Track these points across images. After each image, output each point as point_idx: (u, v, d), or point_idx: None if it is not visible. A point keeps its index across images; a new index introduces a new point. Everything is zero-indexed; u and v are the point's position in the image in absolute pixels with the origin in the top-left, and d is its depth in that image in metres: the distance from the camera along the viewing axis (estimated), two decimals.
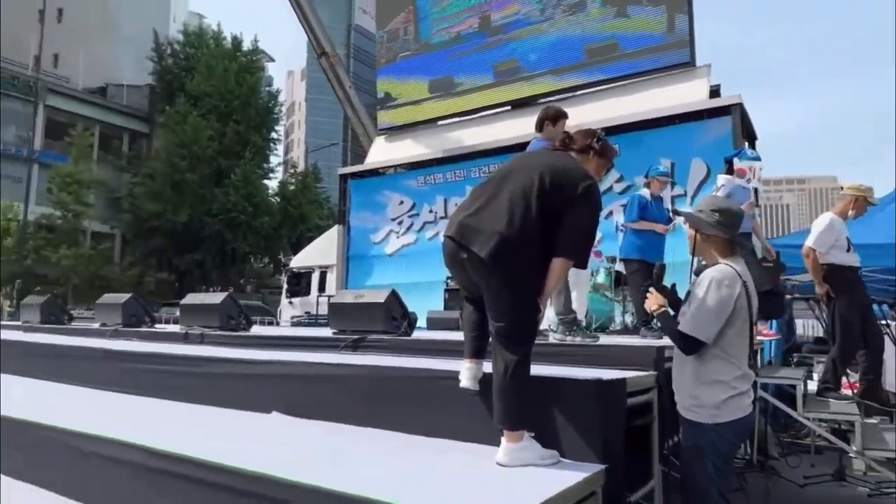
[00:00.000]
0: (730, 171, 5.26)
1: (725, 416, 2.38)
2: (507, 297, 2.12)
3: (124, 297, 6.38)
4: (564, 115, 4.00)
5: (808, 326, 9.76)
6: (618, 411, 2.28)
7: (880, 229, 6.09)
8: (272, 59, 38.59)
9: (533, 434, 2.15)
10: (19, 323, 7.50)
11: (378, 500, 1.66)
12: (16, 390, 3.93)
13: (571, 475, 1.97)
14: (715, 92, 9.60)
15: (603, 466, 2.08)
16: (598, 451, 2.14)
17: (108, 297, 6.73)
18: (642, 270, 4.82)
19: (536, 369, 2.34)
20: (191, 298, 5.78)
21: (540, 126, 3.98)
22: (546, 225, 2.15)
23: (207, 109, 26.97)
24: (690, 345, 2.42)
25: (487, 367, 2.32)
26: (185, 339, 5.17)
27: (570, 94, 10.82)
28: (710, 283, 2.42)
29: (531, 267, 2.14)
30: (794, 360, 7.40)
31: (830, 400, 4.69)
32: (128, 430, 2.58)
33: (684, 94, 9.41)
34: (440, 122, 13.10)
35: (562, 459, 2.15)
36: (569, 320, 3.77)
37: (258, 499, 1.93)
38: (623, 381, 2.35)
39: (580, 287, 5.23)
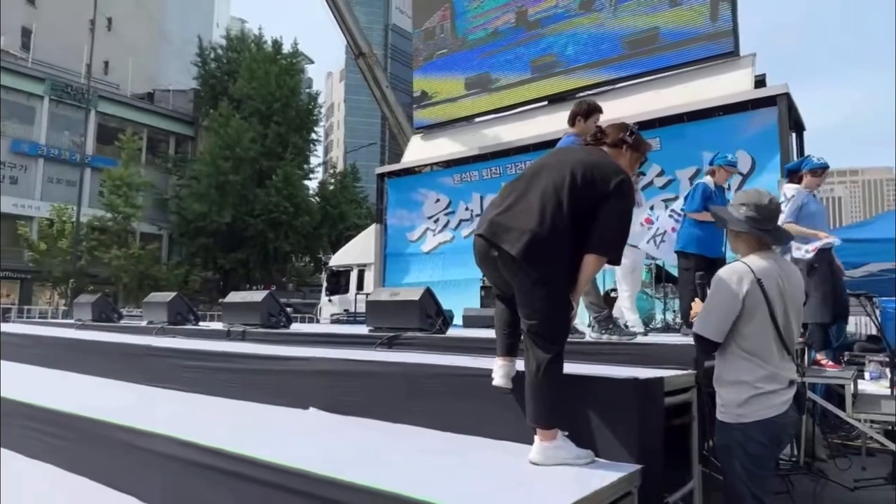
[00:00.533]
0: (793, 180, 4.91)
1: (750, 416, 2.32)
2: (539, 294, 2.10)
3: (170, 295, 6.59)
4: (598, 110, 3.94)
5: (860, 324, 9.36)
6: (655, 411, 2.23)
7: None
8: (311, 61, 39.25)
9: (567, 433, 2.13)
10: (73, 321, 7.83)
11: (424, 500, 1.66)
12: (70, 385, 4.12)
13: (607, 474, 1.94)
14: (760, 82, 9.30)
15: (639, 466, 2.05)
16: (635, 450, 2.10)
17: (154, 296, 6.97)
18: (698, 266, 4.63)
19: (571, 367, 2.31)
20: (233, 297, 5.94)
21: (572, 121, 3.93)
22: (578, 221, 2.12)
23: (249, 112, 27.61)
24: (703, 345, 2.40)
25: (520, 365, 2.31)
26: (227, 336, 5.32)
27: (609, 88, 10.64)
28: (717, 282, 2.39)
29: (563, 264, 2.11)
30: (845, 358, 7.12)
31: (882, 400, 4.50)
32: (174, 424, 2.67)
33: (728, 85, 9.14)
34: (476, 120, 13.08)
35: (597, 459, 2.12)
36: (603, 317, 3.71)
37: (304, 496, 1.96)
38: (661, 380, 2.30)
39: (633, 285, 5.10)
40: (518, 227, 2.12)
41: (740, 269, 2.38)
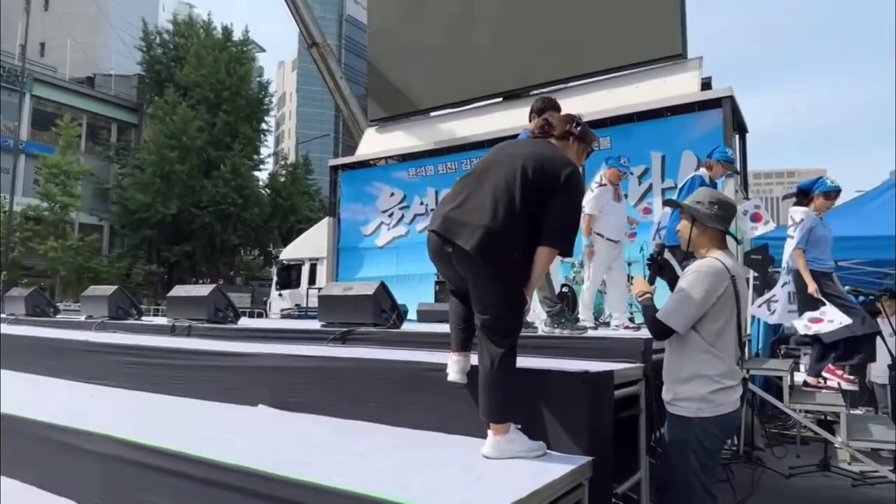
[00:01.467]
0: (801, 202, 4.82)
1: (710, 411, 2.38)
2: (493, 289, 2.11)
3: (111, 288, 6.32)
4: (556, 107, 3.99)
5: None
6: (605, 403, 2.28)
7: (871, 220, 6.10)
8: (263, 50, 38.25)
9: (520, 426, 2.15)
10: (4, 315, 7.41)
11: (375, 496, 1.64)
12: (1, 384, 3.89)
13: (558, 467, 1.97)
14: (706, 84, 9.62)
15: (590, 458, 2.08)
16: (585, 443, 2.14)
17: (94, 290, 6.66)
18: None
19: (524, 361, 2.33)
20: (178, 290, 5.73)
21: (531, 117, 3.96)
22: (530, 215, 2.13)
23: (197, 100, 26.68)
24: (660, 330, 2.45)
25: (475, 359, 2.31)
26: (172, 331, 5.13)
27: (562, 86, 10.79)
28: (694, 276, 2.43)
29: (517, 259, 2.12)
30: (782, 351, 7.46)
31: (816, 391, 4.73)
32: (114, 423, 2.56)
33: (676, 87, 9.42)
34: (432, 114, 13.05)
35: (549, 451, 2.15)
36: (555, 311, 3.75)
37: (250, 495, 1.91)
38: (610, 373, 2.35)
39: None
40: (471, 223, 2.12)
41: (717, 266, 2.42)
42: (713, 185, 4.85)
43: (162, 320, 5.87)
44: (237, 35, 29.67)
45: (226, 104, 27.17)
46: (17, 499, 2.42)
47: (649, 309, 2.55)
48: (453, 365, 2.35)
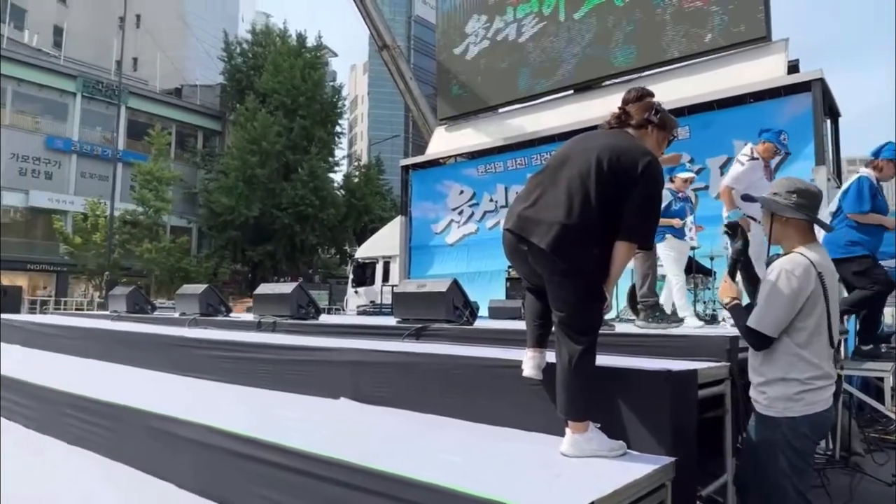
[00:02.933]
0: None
1: (799, 411, 2.25)
2: (570, 286, 2.08)
3: (201, 287, 6.71)
4: (649, 94, 3.83)
5: None
6: (688, 403, 2.21)
7: None
8: (335, 54, 39.42)
9: (599, 425, 2.12)
10: (109, 312, 8.03)
11: (456, 489, 1.67)
12: (107, 375, 4.23)
13: (639, 467, 1.93)
14: (793, 67, 9.06)
15: (673, 459, 2.03)
16: (668, 443, 2.08)
17: (186, 288, 7.10)
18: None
19: (603, 359, 2.29)
20: (263, 288, 6.02)
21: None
22: (607, 209, 2.08)
23: (275, 106, 27.84)
24: (757, 340, 2.30)
25: (551, 356, 2.30)
26: (258, 327, 5.40)
27: (637, 76, 10.47)
28: (779, 275, 2.28)
29: (594, 254, 2.08)
30: (883, 350, 6.91)
31: None
32: (207, 413, 2.72)
33: (760, 71, 8.92)
34: (501, 110, 13.01)
35: (629, 451, 2.11)
36: (650, 304, 3.61)
37: (334, 484, 1.98)
38: (694, 372, 2.28)
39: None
40: (546, 221, 2.10)
41: (803, 262, 2.28)
42: (879, 187, 4.47)
43: (248, 316, 6.18)
44: (311, 41, 30.72)
45: (302, 109, 28.20)
46: (122, 481, 2.62)
47: (741, 316, 2.41)
48: (529, 361, 2.34)
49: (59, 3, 38.27)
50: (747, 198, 2.81)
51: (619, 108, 2.41)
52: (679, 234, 5.08)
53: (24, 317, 8.44)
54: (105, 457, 2.90)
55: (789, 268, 2.28)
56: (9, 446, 3.13)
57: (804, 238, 2.38)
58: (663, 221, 4.74)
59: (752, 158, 4.56)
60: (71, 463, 2.84)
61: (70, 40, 33.22)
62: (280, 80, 27.93)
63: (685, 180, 5.51)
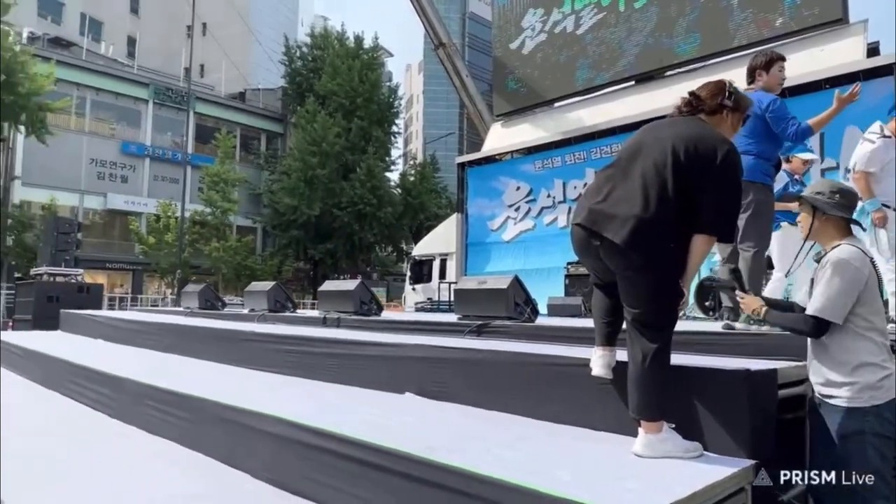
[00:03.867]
0: None
1: (883, 397, 2.19)
2: (646, 282, 2.02)
3: (269, 284, 6.94)
4: (779, 58, 3.65)
5: None
6: (768, 404, 2.11)
7: None
8: (391, 55, 39.93)
9: (673, 425, 2.05)
10: (182, 308, 8.42)
11: (526, 486, 1.65)
12: (183, 368, 4.43)
13: (717, 469, 1.85)
14: (873, 50, 8.51)
15: (753, 462, 1.94)
16: (747, 445, 1.99)
17: (255, 285, 7.36)
18: None
19: (678, 358, 2.22)
20: (327, 285, 6.17)
21: (752, 77, 3.63)
22: (684, 201, 2.01)
23: (334, 108, 28.48)
24: (819, 327, 2.27)
25: (621, 354, 2.24)
26: (323, 322, 5.54)
27: (702, 64, 10.10)
28: (837, 264, 2.26)
29: (671, 249, 2.01)
30: None
31: None
32: (278, 405, 2.81)
33: (836, 56, 8.42)
34: (557, 104, 12.83)
35: (706, 453, 2.03)
36: None
37: (400, 476, 2.01)
38: (774, 371, 2.18)
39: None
40: (620, 215, 2.03)
41: (856, 251, 2.30)
42: None
43: (313, 313, 6.34)
44: (367, 42, 31.22)
45: (360, 110, 28.74)
46: (198, 470, 2.73)
47: (781, 315, 2.40)
48: (598, 359, 2.29)
49: (132, 15, 40.47)
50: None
51: (690, 94, 2.31)
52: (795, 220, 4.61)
53: (104, 313, 8.97)
54: (183, 446, 3.04)
55: (846, 256, 2.27)
56: (93, 434, 3.33)
57: (843, 235, 2.39)
58: (779, 206, 4.45)
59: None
60: (151, 451, 2.99)
61: (142, 50, 35.05)
62: (338, 82, 28.55)
63: (805, 161, 5.02)
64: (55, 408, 4.05)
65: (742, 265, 3.38)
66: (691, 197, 2.01)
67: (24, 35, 24.95)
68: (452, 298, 7.27)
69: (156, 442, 3.14)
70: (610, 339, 2.31)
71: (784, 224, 4.62)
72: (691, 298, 3.58)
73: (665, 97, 9.95)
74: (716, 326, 3.66)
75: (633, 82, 11.28)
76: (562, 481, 1.70)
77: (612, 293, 2.22)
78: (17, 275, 19.97)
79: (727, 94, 2.25)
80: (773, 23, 9.26)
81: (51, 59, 21.65)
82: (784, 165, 4.74)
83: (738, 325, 3.40)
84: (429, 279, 16.38)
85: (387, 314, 6.22)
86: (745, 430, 2.01)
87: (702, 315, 6.59)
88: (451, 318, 4.96)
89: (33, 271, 11.35)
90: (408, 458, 2.01)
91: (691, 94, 2.30)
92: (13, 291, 11.76)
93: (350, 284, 5.75)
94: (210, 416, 2.98)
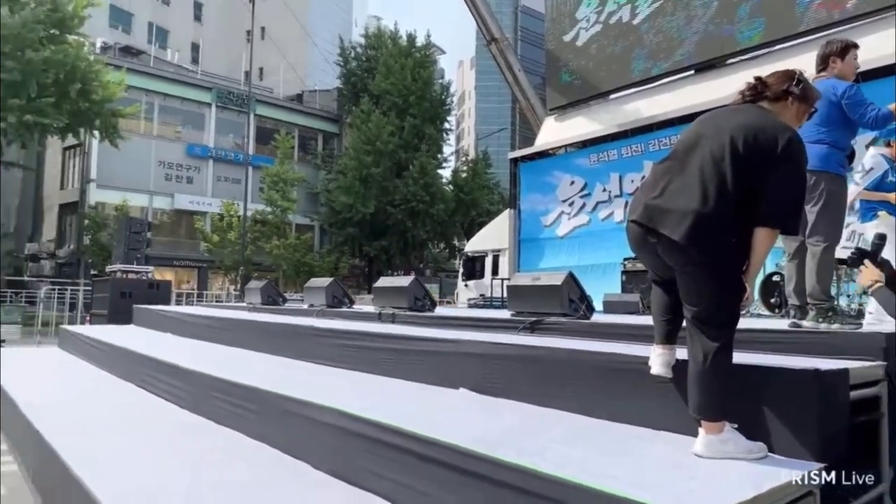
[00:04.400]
0: None
1: None
2: (706, 279, 1.96)
3: (327, 281, 7.13)
4: (853, 45, 3.51)
5: None
6: (839, 406, 2.02)
7: None
8: (443, 52, 40.04)
9: (736, 426, 1.99)
10: (245, 304, 8.75)
11: (583, 484, 1.65)
12: (247, 361, 4.62)
13: (784, 472, 1.79)
14: None
15: (822, 465, 1.86)
16: (816, 448, 1.92)
17: (314, 282, 7.56)
18: None
19: (742, 357, 2.16)
20: (382, 282, 6.28)
21: (824, 64, 3.51)
22: (745, 194, 1.94)
23: (388, 107, 28.85)
24: None
25: (681, 353, 2.20)
26: (379, 318, 5.64)
27: (766, 51, 9.67)
28: None
29: (732, 244, 1.95)
30: None
31: None
32: (337, 398, 2.89)
33: None
34: (613, 96, 12.56)
35: (770, 455, 1.96)
36: (824, 308, 3.26)
37: (455, 470, 2.04)
38: (845, 371, 2.08)
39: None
40: (678, 210, 1.98)
41: None
42: None
43: (369, 308, 6.47)
44: (420, 40, 31.44)
45: (412, 108, 29.00)
46: (263, 460, 2.85)
47: (891, 295, 2.22)
48: (657, 358, 2.24)
49: (195, 22, 42.17)
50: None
51: (756, 79, 2.22)
52: None
53: (173, 308, 9.43)
54: (248, 436, 3.17)
55: None
56: (165, 423, 3.51)
57: None
58: (877, 196, 4.19)
59: None
60: (218, 441, 3.13)
61: (205, 55, 36.47)
62: (392, 81, 28.89)
63: None
64: (131, 398, 4.30)
65: (810, 260, 3.23)
66: (752, 189, 1.94)
67: (98, 45, 26.41)
68: (505, 295, 7.24)
69: (223, 432, 3.29)
70: (670, 337, 2.26)
71: (882, 213, 4.34)
72: (756, 295, 3.42)
73: (727, 86, 9.58)
74: (782, 324, 3.52)
75: (692, 72, 10.92)
76: (620, 480, 1.69)
77: (671, 290, 2.17)
78: (93, 272, 21.25)
79: (795, 81, 2.17)
80: (845, 4, 8.76)
81: (122, 67, 22.84)
82: (883, 150, 4.48)
83: (806, 324, 3.25)
84: (481, 275, 16.39)
85: (440, 310, 6.27)
86: (813, 432, 1.94)
87: (767, 312, 6.34)
88: (505, 314, 4.96)
89: (108, 269, 12.02)
90: (466, 454, 2.03)
91: (757, 78, 2.22)
92: (90, 288, 12.49)
93: (404, 281, 5.83)
94: (274, 409, 3.09)
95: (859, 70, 8.23)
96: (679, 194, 2.01)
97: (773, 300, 6.30)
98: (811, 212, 3.23)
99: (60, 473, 2.59)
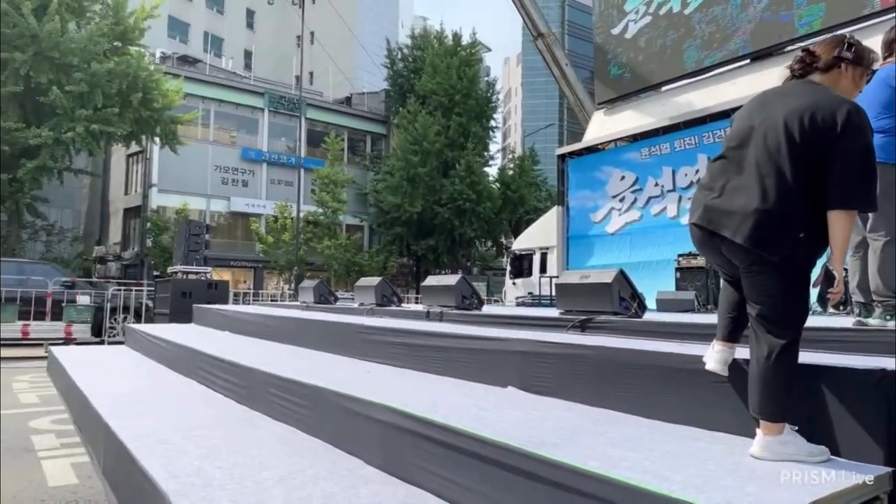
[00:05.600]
0: None
1: None
2: (772, 278, 1.89)
3: (376, 280, 7.24)
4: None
5: None
6: None
7: None
8: (489, 49, 39.91)
9: (797, 427, 1.92)
10: (299, 303, 8.98)
11: (654, 491, 1.61)
12: (301, 358, 4.74)
13: (847, 475, 1.72)
14: None
15: (890, 469, 1.78)
16: (883, 451, 1.82)
17: (363, 281, 7.69)
18: None
19: (804, 356, 2.06)
20: (430, 280, 6.33)
21: (889, 49, 3.32)
22: (809, 181, 1.84)
23: (434, 106, 29.01)
24: None
25: (741, 352, 2.13)
26: (427, 316, 5.69)
27: (826, 37, 9.21)
28: None
29: (800, 239, 1.86)
30: None
31: None
32: (388, 395, 2.94)
33: None
34: (664, 88, 12.24)
35: (833, 458, 1.88)
36: (891, 305, 3.10)
37: (505, 468, 2.04)
38: None
39: None
40: (739, 210, 1.90)
41: None
42: None
43: (417, 307, 6.53)
44: (465, 39, 31.45)
45: (458, 107, 29.05)
46: (317, 455, 2.92)
47: None
48: (715, 354, 2.16)
49: (248, 30, 43.49)
50: None
51: (804, 51, 2.09)
52: None
53: (231, 307, 9.76)
54: (302, 431, 3.26)
55: None
56: (223, 418, 3.65)
57: None
58: None
59: None
60: (274, 435, 3.23)
61: (257, 61, 37.58)
62: (438, 81, 29.02)
63: None
64: (191, 393, 4.49)
65: (872, 256, 3.07)
66: (817, 172, 1.84)
67: (157, 55, 27.61)
68: (554, 293, 7.18)
69: (277, 426, 3.39)
70: (732, 335, 2.18)
71: None
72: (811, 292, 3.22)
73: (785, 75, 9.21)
74: (846, 322, 3.36)
75: (747, 61, 10.52)
76: (673, 482, 1.65)
77: (740, 287, 2.09)
78: (155, 273, 22.23)
79: (846, 45, 2.03)
80: None
81: (179, 75, 23.81)
82: None
83: (873, 322, 3.09)
84: (529, 273, 16.27)
85: (487, 309, 6.27)
86: (880, 435, 1.84)
87: (820, 309, 6.04)
88: (553, 313, 4.91)
89: (169, 269, 12.55)
90: (516, 452, 2.02)
91: (805, 50, 2.09)
92: (153, 288, 13.08)
93: (452, 279, 5.86)
94: (327, 404, 3.16)
95: None
96: (738, 193, 1.93)
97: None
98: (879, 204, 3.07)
99: (127, 464, 2.73)
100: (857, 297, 3.35)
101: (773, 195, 1.86)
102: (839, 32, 2.13)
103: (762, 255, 1.87)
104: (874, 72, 2.17)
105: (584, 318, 4.28)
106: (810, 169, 1.85)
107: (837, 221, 1.83)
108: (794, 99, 1.96)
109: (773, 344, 1.89)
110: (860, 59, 2.04)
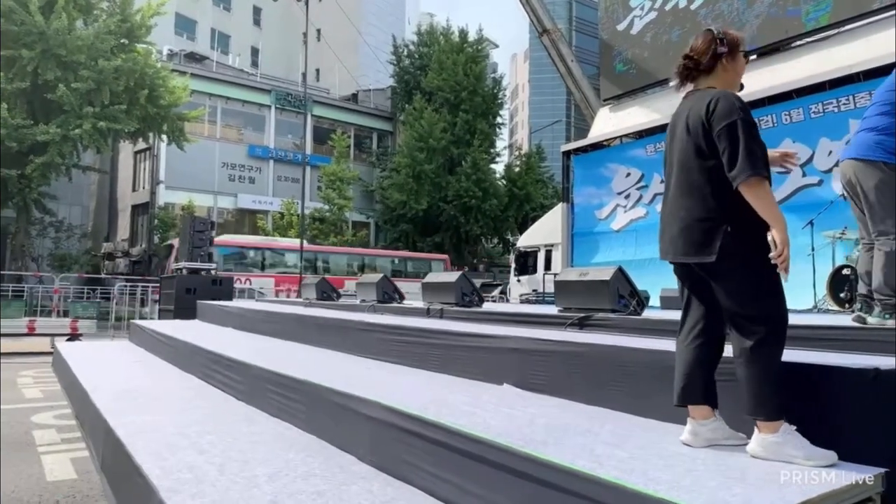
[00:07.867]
0: None
1: None
2: (726, 277, 1.96)
3: (377, 276, 7.24)
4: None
5: None
6: None
7: None
8: (496, 46, 39.79)
9: (794, 427, 1.89)
10: (301, 300, 8.99)
11: (640, 490, 1.60)
12: (299, 355, 4.75)
13: (840, 475, 1.69)
14: None
15: (883, 470, 1.75)
16: (876, 452, 1.80)
17: (365, 277, 7.70)
18: None
19: (799, 355, 2.06)
20: (431, 277, 6.32)
21: None
22: (719, 179, 1.95)
23: (440, 103, 28.97)
24: None
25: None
26: (427, 313, 5.68)
27: (835, 31, 9.11)
28: None
29: (727, 232, 1.91)
30: None
31: None
32: (382, 392, 2.93)
33: None
34: (671, 83, 12.15)
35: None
36: (891, 304, 3.06)
37: (498, 468, 2.02)
38: None
39: None
40: (674, 234, 2.07)
41: None
42: None
43: (419, 304, 6.53)
44: (472, 35, 31.35)
45: (464, 104, 28.98)
46: (312, 451, 2.91)
47: None
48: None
49: (254, 27, 43.57)
50: None
51: (684, 58, 2.15)
52: None
53: (233, 303, 9.79)
54: (299, 428, 3.26)
55: None
56: (222, 414, 3.66)
57: None
58: None
59: None
60: (271, 431, 3.23)
61: (264, 58, 37.64)
62: (444, 78, 28.96)
63: None
64: (191, 389, 4.50)
65: (876, 253, 3.03)
66: (717, 167, 1.94)
67: (164, 52, 27.69)
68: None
69: (274, 423, 3.39)
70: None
71: None
72: (819, 290, 3.21)
73: (792, 70, 9.12)
74: (845, 320, 3.33)
75: (754, 56, 10.40)
76: (660, 482, 1.64)
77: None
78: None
79: (718, 40, 2.08)
80: None
81: (186, 73, 23.87)
82: None
83: (871, 320, 3.05)
84: (534, 270, 16.24)
85: (488, 306, 6.25)
86: (874, 435, 1.82)
87: (836, 308, 6.00)
88: (553, 310, 4.89)
89: (174, 266, 12.61)
90: (504, 450, 2.02)
91: (685, 56, 2.15)
92: (158, 284, 13.14)
93: (452, 276, 5.85)
94: (321, 401, 3.16)
95: None
96: (670, 220, 2.10)
97: (842, 295, 5.95)
98: (879, 203, 3.03)
99: (123, 459, 2.74)
100: (862, 286, 3.30)
101: (691, 206, 1.99)
102: (706, 29, 2.12)
103: (702, 262, 1.96)
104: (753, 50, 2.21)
105: (582, 315, 4.26)
106: (716, 168, 1.94)
107: (748, 193, 1.87)
108: (686, 107, 2.12)
109: (746, 342, 1.90)
110: (735, 47, 2.10)
